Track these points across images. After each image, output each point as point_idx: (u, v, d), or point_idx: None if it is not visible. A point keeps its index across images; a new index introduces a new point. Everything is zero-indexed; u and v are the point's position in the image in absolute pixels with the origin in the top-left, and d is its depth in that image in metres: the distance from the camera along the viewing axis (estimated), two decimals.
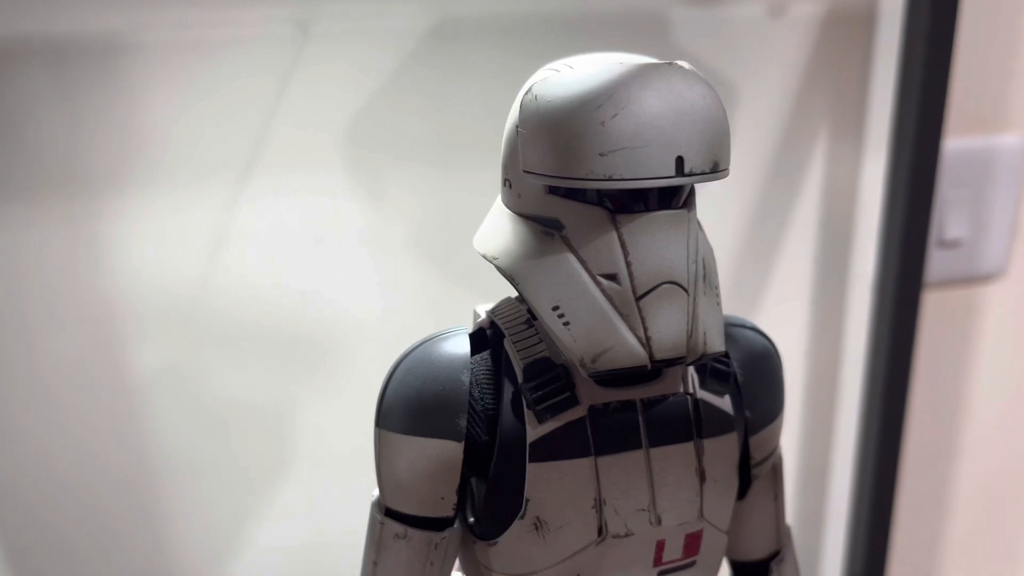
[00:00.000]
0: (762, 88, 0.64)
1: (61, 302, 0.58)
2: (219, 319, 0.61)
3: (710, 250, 0.36)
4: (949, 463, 0.80)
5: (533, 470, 0.35)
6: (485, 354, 0.37)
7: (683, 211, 0.33)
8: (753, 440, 0.41)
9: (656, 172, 0.31)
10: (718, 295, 0.35)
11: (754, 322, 0.42)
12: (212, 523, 0.65)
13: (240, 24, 0.55)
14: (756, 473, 0.42)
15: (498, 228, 0.36)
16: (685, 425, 0.37)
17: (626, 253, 0.32)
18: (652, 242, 0.32)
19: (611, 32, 0.60)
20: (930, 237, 0.67)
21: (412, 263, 0.62)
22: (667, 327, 0.32)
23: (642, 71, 0.32)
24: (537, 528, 0.35)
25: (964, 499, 0.81)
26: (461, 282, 0.63)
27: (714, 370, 0.38)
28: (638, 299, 0.32)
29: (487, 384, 0.37)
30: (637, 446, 0.36)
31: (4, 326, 0.57)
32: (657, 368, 0.33)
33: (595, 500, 0.35)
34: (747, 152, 0.65)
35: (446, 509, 0.38)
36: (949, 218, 0.70)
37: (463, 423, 0.36)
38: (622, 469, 0.36)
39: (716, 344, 0.34)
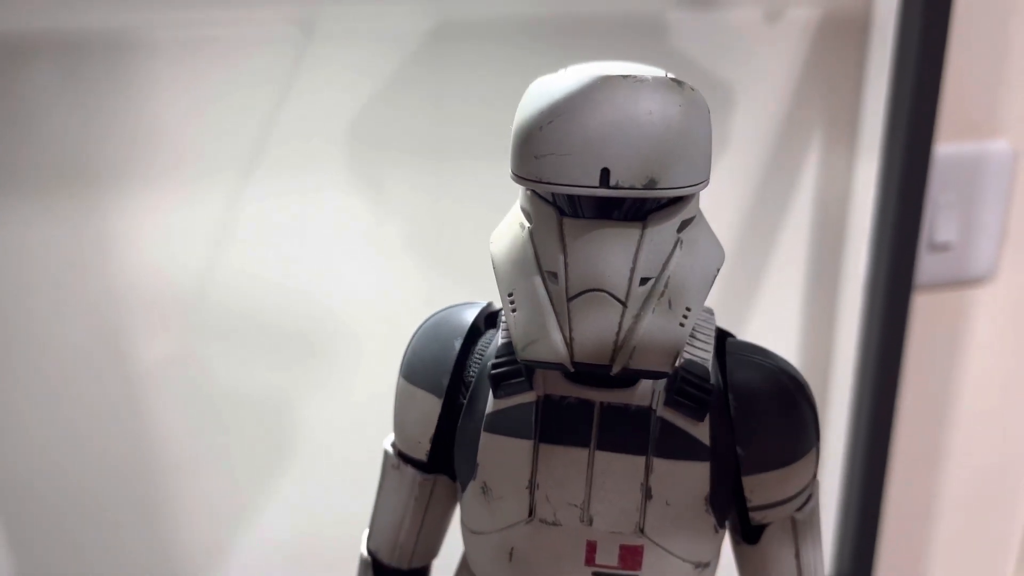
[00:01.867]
0: (758, 92, 0.65)
1: (66, 296, 0.58)
2: (221, 314, 0.61)
3: (699, 272, 0.35)
4: (937, 464, 0.81)
5: (484, 439, 0.38)
6: (496, 330, 0.41)
7: (631, 224, 0.33)
8: (748, 480, 0.38)
9: (579, 180, 0.32)
10: (684, 317, 0.34)
11: (792, 365, 0.40)
12: (212, 515, 0.66)
13: (245, 24, 0.56)
14: (760, 518, 0.40)
15: (504, 220, 0.38)
16: (638, 438, 0.37)
17: (565, 255, 0.34)
18: (589, 248, 0.33)
19: (609, 35, 0.61)
20: (921, 240, 0.68)
21: (412, 261, 0.63)
22: (590, 332, 0.33)
23: (593, 82, 0.32)
24: (484, 492, 0.39)
25: (952, 500, 0.82)
26: (460, 280, 0.64)
27: (688, 393, 0.37)
28: (569, 300, 0.34)
29: (482, 355, 0.40)
30: (583, 445, 0.37)
31: (10, 319, 0.58)
32: (580, 370, 0.34)
33: (529, 482, 0.38)
34: (742, 154, 0.66)
35: (420, 453, 0.42)
36: (939, 222, 0.71)
37: (446, 382, 0.40)
38: (561, 461, 0.37)
39: (650, 362, 0.34)
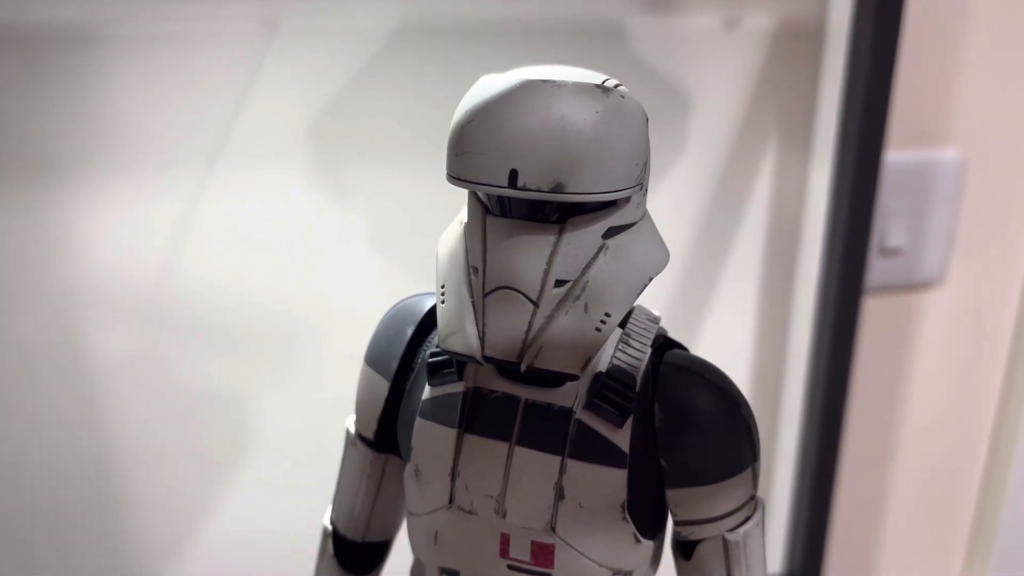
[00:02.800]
0: (714, 98, 0.66)
1: (23, 290, 0.58)
2: (181, 310, 0.61)
3: (625, 278, 0.35)
4: (886, 464, 0.83)
5: (418, 424, 0.40)
6: None
7: (549, 226, 0.34)
8: (672, 493, 0.38)
9: (491, 180, 0.33)
10: (602, 322, 0.35)
11: (730, 382, 0.39)
12: (173, 511, 0.66)
13: (208, 19, 0.56)
14: (687, 533, 0.39)
15: (456, 217, 0.40)
16: (556, 438, 0.37)
17: (485, 251, 0.35)
18: (506, 247, 0.34)
19: (571, 39, 0.62)
20: (871, 245, 0.70)
21: (374, 258, 0.63)
22: (499, 328, 0.34)
23: (513, 86, 0.33)
24: (416, 475, 0.40)
25: (900, 499, 0.84)
26: (422, 278, 0.64)
27: (607, 398, 0.37)
28: (484, 296, 0.35)
29: (431, 344, 0.42)
30: (504, 439, 0.38)
31: None
32: (493, 364, 0.35)
33: (451, 469, 0.39)
34: (698, 158, 0.67)
35: (369, 433, 0.44)
36: (890, 227, 0.73)
37: (395, 366, 0.42)
38: (482, 452, 0.38)
39: (558, 363, 0.34)
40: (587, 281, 0.35)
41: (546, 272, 0.34)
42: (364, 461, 0.45)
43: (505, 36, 0.61)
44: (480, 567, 0.40)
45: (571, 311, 0.35)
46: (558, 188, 0.33)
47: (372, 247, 0.63)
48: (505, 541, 0.39)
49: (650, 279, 0.37)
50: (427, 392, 0.40)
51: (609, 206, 0.35)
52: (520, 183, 0.33)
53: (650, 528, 0.39)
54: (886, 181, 0.70)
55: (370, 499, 0.45)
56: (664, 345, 0.40)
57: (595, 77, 0.35)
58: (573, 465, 0.37)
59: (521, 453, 0.38)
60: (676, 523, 0.39)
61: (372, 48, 0.59)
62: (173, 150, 0.58)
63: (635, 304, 0.39)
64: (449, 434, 0.39)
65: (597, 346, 0.35)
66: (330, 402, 0.66)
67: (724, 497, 0.38)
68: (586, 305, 0.35)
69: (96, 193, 0.57)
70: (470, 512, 0.39)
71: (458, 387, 0.39)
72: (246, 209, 0.60)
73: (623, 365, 0.37)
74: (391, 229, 0.63)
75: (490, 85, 0.34)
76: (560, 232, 0.34)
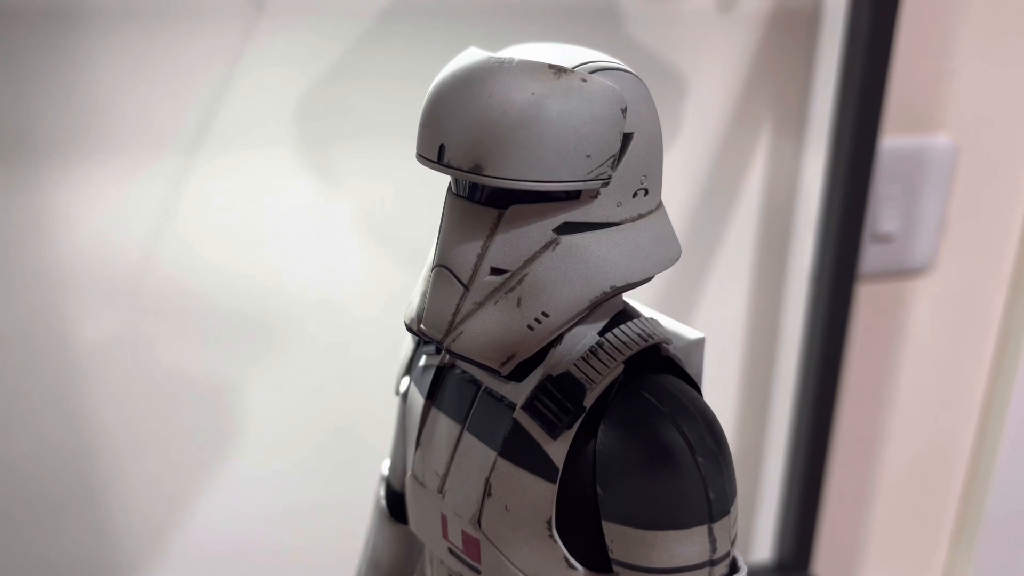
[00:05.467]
0: (708, 81, 0.66)
1: (1, 273, 0.57)
2: (164, 294, 0.60)
3: (576, 281, 0.33)
4: (876, 448, 0.83)
5: (411, 390, 0.41)
6: None
7: (489, 210, 0.33)
8: (606, 526, 0.34)
9: (425, 152, 0.33)
10: (537, 321, 0.32)
11: (699, 424, 0.33)
12: (157, 498, 0.65)
13: None
14: (619, 569, 0.34)
15: None
16: (497, 433, 0.36)
17: (440, 228, 0.35)
18: (448, 225, 0.34)
19: (565, 20, 0.61)
20: (864, 231, 0.70)
21: (361, 241, 0.62)
22: (433, 306, 0.34)
23: (463, 61, 0.33)
24: (403, 438, 0.41)
25: (889, 483, 0.85)
26: (407, 263, 0.63)
27: (545, 404, 0.34)
28: (431, 271, 0.35)
29: None
30: (459, 421, 0.37)
31: None
32: (423, 337, 0.35)
33: (416, 438, 0.39)
34: (690, 144, 0.67)
35: (398, 389, 0.44)
36: (882, 213, 0.73)
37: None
38: (440, 428, 0.38)
39: (473, 352, 0.33)
40: (526, 275, 0.33)
41: (480, 257, 0.33)
42: (400, 416, 0.45)
43: (498, 16, 0.60)
44: (431, 543, 0.40)
45: (501, 302, 0.33)
46: (476, 169, 0.31)
47: (358, 231, 0.62)
48: (444, 522, 0.38)
49: (612, 288, 0.33)
50: (421, 359, 0.41)
51: (563, 198, 0.33)
52: (445, 159, 0.32)
53: (589, 557, 0.35)
54: (879, 167, 0.70)
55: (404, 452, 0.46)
56: (649, 365, 0.35)
57: (593, 57, 0.33)
58: (502, 464, 0.35)
59: (468, 439, 0.37)
60: (612, 562, 0.35)
61: (362, 27, 0.58)
62: (155, 129, 0.56)
63: (646, 315, 0.36)
64: (420, 404, 0.39)
65: (526, 344, 0.33)
66: (315, 388, 0.65)
67: (664, 550, 0.33)
68: (520, 299, 0.33)
69: (76, 174, 0.56)
70: (421, 484, 0.39)
71: (436, 360, 0.40)
72: (230, 192, 0.59)
73: (578, 375, 0.34)
74: (378, 213, 0.62)
75: (457, 59, 0.34)
76: (498, 218, 0.33)
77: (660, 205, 0.36)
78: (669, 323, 0.40)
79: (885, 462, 0.84)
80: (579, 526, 0.34)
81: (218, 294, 0.61)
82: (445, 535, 0.38)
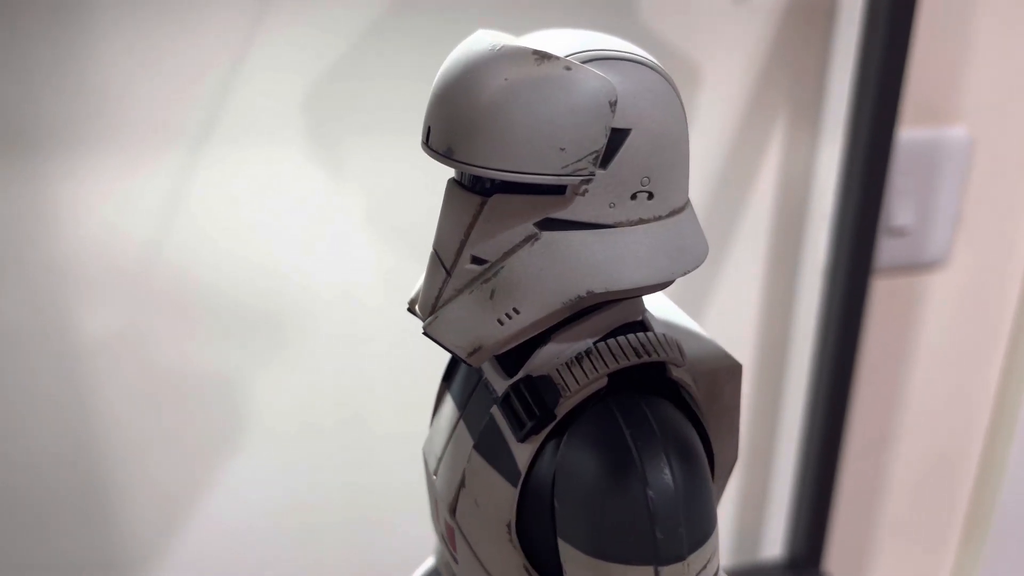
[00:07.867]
0: (724, 72, 0.65)
1: (3, 267, 0.56)
2: (170, 288, 0.59)
3: (550, 281, 0.31)
4: (889, 445, 0.82)
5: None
6: None
7: (475, 197, 0.32)
8: (559, 543, 0.32)
9: (423, 135, 0.33)
10: (508, 316, 0.32)
11: (660, 459, 0.30)
12: (161, 495, 0.64)
13: None
14: None
15: None
16: (478, 425, 0.35)
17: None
18: (442, 209, 0.34)
19: (577, 9, 0.60)
20: (880, 224, 0.69)
21: (370, 235, 0.62)
22: (424, 288, 0.34)
23: (462, 48, 0.32)
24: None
25: (902, 480, 0.84)
26: (418, 256, 0.63)
27: (512, 405, 0.33)
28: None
29: None
30: (460, 406, 0.37)
31: None
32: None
33: (432, 417, 0.40)
34: (705, 135, 0.66)
35: None
36: (897, 206, 0.72)
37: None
38: (445, 411, 0.39)
39: (442, 335, 0.33)
40: (502, 267, 0.32)
41: (462, 243, 0.32)
42: None
43: (511, 6, 0.59)
44: (434, 520, 0.40)
45: (476, 292, 0.32)
46: (448, 152, 0.31)
47: (367, 224, 0.61)
48: (435, 504, 0.39)
49: (589, 292, 0.31)
50: None
51: (546, 192, 0.31)
52: (430, 141, 0.32)
53: (551, 570, 0.34)
54: (895, 159, 0.69)
55: None
56: (638, 383, 0.33)
57: (606, 46, 0.32)
58: (475, 458, 0.35)
59: (461, 426, 0.37)
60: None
61: (370, 16, 0.57)
62: (161, 119, 0.55)
63: (662, 331, 0.34)
64: (438, 384, 0.40)
65: (495, 339, 0.32)
66: (322, 384, 0.64)
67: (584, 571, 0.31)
68: (493, 291, 0.32)
69: (83, 166, 0.55)
70: (426, 464, 0.39)
71: None
72: (238, 183, 0.58)
73: (557, 380, 0.32)
74: (387, 204, 0.61)
75: (463, 41, 0.33)
76: (481, 206, 0.32)
77: (676, 212, 0.33)
78: (704, 345, 0.37)
79: (898, 459, 0.83)
80: (542, 536, 0.33)
81: (225, 289, 0.60)
82: (438, 517, 0.39)
